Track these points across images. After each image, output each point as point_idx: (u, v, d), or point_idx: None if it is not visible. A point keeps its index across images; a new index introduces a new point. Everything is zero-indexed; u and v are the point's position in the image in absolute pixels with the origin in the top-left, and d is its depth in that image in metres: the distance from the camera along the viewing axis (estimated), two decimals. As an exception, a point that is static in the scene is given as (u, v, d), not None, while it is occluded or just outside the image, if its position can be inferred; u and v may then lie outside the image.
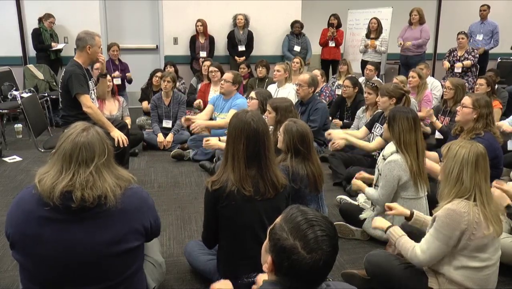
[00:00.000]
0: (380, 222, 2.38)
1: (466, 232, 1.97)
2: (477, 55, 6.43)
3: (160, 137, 5.04)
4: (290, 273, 1.23)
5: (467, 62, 6.31)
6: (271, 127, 3.35)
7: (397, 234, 2.25)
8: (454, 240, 1.99)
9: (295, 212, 1.27)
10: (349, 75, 5.98)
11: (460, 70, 6.41)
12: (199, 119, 4.62)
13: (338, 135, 3.97)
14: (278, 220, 1.29)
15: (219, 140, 3.68)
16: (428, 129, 4.50)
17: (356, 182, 3.15)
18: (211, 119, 5.32)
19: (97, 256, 1.61)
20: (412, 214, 2.44)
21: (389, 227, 2.30)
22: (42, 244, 1.57)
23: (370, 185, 3.07)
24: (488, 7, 7.33)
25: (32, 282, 1.64)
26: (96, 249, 1.60)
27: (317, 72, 5.81)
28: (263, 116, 3.49)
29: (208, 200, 2.12)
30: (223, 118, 4.74)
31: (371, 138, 4.04)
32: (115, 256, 1.64)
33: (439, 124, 4.28)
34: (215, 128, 4.61)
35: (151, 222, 1.75)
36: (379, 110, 4.05)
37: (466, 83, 5.48)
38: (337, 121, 5.31)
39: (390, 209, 2.49)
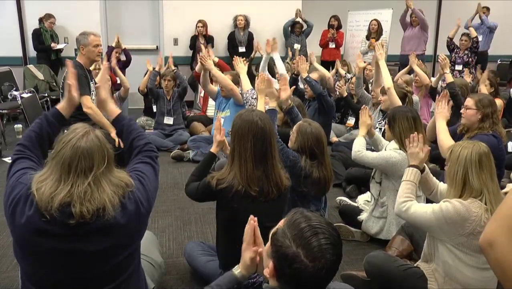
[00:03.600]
0: (413, 151, 2.26)
1: (465, 230, 1.96)
2: (478, 44, 6.48)
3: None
4: (292, 281, 1.20)
5: (473, 31, 6.36)
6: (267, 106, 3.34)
7: (410, 176, 2.20)
8: (448, 226, 1.99)
9: (298, 218, 1.23)
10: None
11: (460, 68, 6.44)
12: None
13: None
14: (281, 224, 1.26)
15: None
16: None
17: (366, 119, 3.06)
18: (209, 119, 5.34)
19: (95, 263, 1.60)
20: (424, 168, 2.36)
21: (414, 166, 2.23)
22: (39, 251, 1.55)
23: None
24: (488, 9, 7.34)
25: (31, 282, 1.63)
26: (94, 257, 1.58)
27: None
28: None
29: (208, 195, 2.11)
30: (225, 115, 4.74)
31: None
32: (114, 261, 1.63)
33: (450, 77, 4.25)
34: (219, 80, 4.49)
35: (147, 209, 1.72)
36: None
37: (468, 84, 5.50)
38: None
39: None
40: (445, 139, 2.91)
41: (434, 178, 2.40)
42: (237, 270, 1.50)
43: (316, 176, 2.57)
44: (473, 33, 6.33)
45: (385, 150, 2.93)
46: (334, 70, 6.69)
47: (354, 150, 2.99)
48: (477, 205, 1.97)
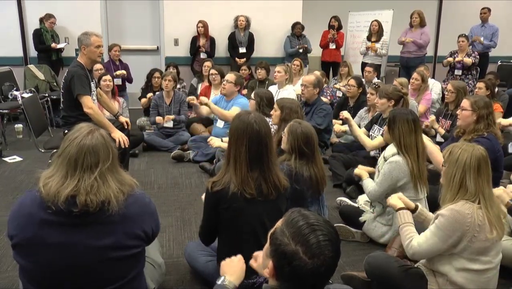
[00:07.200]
0: (394, 201, 2.39)
1: (467, 234, 1.97)
2: (477, 56, 6.43)
3: (158, 118, 5.12)
4: (292, 279, 1.21)
5: (468, 60, 6.31)
6: (275, 126, 3.35)
7: (404, 219, 2.26)
8: (453, 239, 1.99)
9: (296, 216, 1.25)
10: (354, 75, 5.99)
11: (460, 73, 6.41)
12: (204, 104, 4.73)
13: (340, 127, 4.27)
14: (279, 224, 1.27)
15: (221, 141, 3.69)
16: (433, 132, 4.51)
17: (360, 169, 3.17)
18: (209, 120, 5.32)
19: (98, 261, 1.60)
20: (416, 207, 2.42)
21: (401, 208, 2.32)
22: (44, 248, 1.56)
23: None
24: (489, 9, 7.32)
25: (32, 284, 1.64)
26: (97, 253, 1.59)
27: (317, 73, 5.82)
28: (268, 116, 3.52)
29: (208, 201, 2.11)
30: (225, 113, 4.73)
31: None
32: (116, 261, 1.64)
33: (442, 130, 4.29)
34: (217, 115, 4.62)
35: (152, 228, 1.75)
36: (379, 112, 4.06)
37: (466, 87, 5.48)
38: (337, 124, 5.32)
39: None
40: (437, 154, 3.01)
41: (430, 214, 2.44)
42: (223, 280, 1.54)
43: (307, 174, 2.59)
44: (468, 61, 6.33)
45: (384, 156, 2.93)
46: (338, 77, 6.68)
47: (366, 191, 3.02)
48: (468, 206, 1.98)
